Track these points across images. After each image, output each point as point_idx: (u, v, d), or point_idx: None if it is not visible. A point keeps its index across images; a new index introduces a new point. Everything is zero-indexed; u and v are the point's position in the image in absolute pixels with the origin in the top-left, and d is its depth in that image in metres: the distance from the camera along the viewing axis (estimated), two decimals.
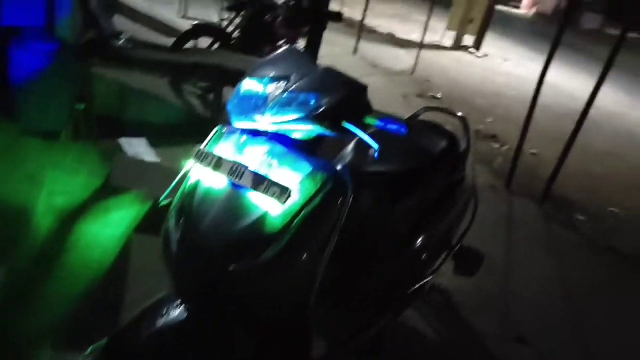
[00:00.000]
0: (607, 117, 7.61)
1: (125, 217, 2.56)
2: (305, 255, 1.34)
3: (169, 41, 4.92)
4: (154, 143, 3.47)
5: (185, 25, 5.98)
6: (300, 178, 1.35)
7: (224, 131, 1.52)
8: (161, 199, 1.52)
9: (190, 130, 3.71)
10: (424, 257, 1.97)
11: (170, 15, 6.48)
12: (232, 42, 4.40)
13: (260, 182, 1.31)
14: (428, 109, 2.37)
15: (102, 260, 2.36)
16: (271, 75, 1.45)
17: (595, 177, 5.28)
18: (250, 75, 1.49)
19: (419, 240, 1.92)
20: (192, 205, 1.38)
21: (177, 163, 3.34)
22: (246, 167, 1.35)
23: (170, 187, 1.51)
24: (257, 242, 1.30)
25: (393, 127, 1.39)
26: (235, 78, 3.30)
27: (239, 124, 1.45)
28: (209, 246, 1.31)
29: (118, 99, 3.30)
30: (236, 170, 1.34)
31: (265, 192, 1.30)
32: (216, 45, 4.45)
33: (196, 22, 4.38)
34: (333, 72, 1.45)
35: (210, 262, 1.31)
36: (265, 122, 1.39)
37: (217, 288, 1.33)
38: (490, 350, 2.49)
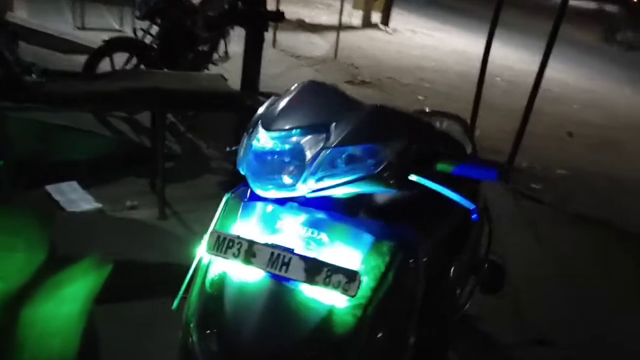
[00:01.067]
0: (524, 76, 7.78)
1: (81, 289, 2.15)
2: (389, 349, 1.06)
3: (75, 59, 4.35)
4: (88, 185, 3.00)
5: (87, 37, 5.37)
6: (362, 254, 1.05)
7: (234, 199, 1.19)
8: (174, 304, 1.16)
9: (126, 162, 3.27)
10: (458, 288, 1.74)
11: (66, 29, 5.79)
12: (152, 55, 3.93)
13: (316, 270, 1.00)
14: (420, 113, 2.12)
15: (65, 346, 1.97)
16: (299, 125, 1.11)
17: (533, 138, 5.33)
18: (269, 126, 1.13)
19: (452, 272, 1.69)
20: (222, 311, 1.04)
21: (121, 204, 2.97)
22: (291, 252, 1.03)
23: (183, 287, 1.15)
24: (327, 350, 1.00)
25: (479, 173, 1.10)
26: (179, 100, 2.93)
27: (265, 193, 1.12)
28: None
29: (40, 142, 2.78)
30: (278, 259, 1.02)
31: (327, 284, 0.99)
32: (134, 60, 3.96)
33: (110, 37, 3.84)
34: (386, 111, 1.14)
35: None
36: (307, 189, 1.08)
37: None
38: None
